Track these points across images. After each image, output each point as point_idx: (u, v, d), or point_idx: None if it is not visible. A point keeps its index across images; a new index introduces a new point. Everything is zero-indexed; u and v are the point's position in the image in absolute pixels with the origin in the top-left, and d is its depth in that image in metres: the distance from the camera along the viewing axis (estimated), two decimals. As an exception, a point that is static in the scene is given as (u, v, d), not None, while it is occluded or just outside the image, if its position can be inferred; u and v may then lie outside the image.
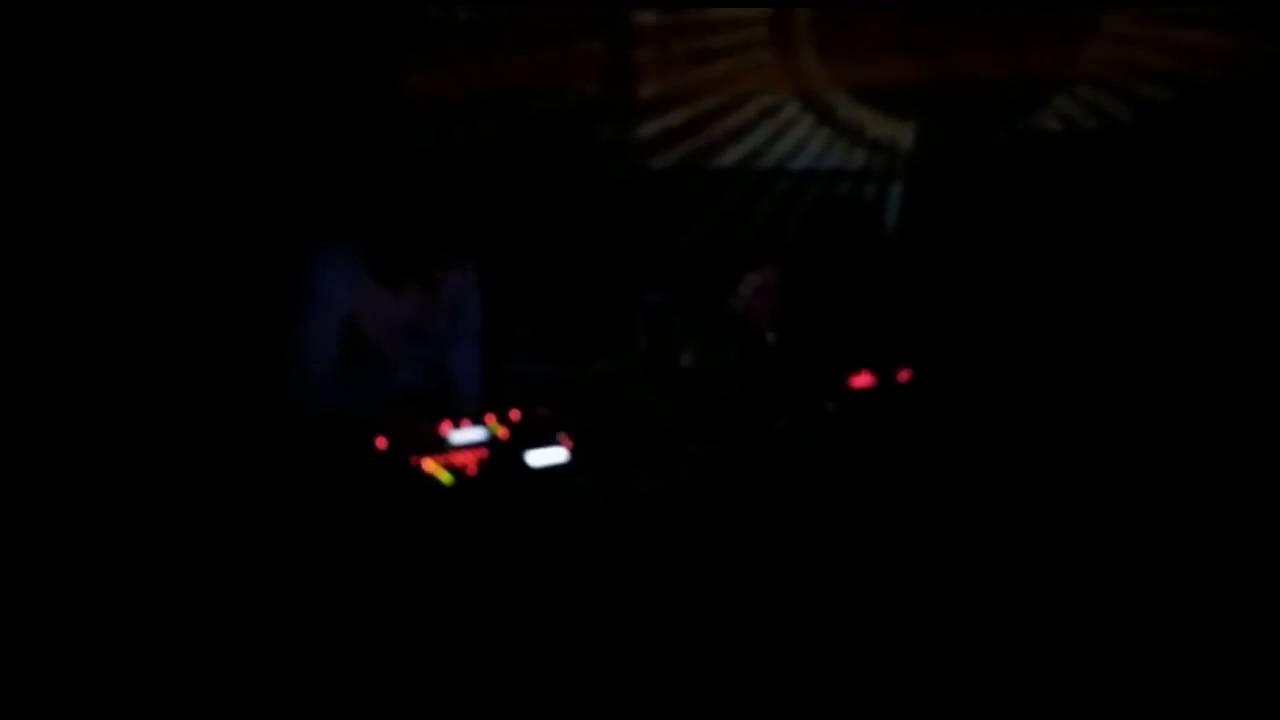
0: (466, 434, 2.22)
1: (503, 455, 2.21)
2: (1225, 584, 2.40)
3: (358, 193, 2.50)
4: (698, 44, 4.47)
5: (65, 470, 2.55)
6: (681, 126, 4.48)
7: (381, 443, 2.16)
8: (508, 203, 3.59)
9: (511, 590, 2.07)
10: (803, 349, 2.90)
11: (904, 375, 2.68)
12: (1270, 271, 3.72)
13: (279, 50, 3.57)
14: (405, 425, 2.22)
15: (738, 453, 2.42)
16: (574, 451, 2.25)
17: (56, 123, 3.16)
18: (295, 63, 3.60)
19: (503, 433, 2.24)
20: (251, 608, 2.08)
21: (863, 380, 2.64)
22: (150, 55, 3.32)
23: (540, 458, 2.23)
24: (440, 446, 2.17)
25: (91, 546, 2.28)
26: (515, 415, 2.27)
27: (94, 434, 2.75)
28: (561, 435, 2.26)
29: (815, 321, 3.00)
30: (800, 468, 2.43)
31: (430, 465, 2.16)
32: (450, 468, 2.16)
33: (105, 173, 3.22)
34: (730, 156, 4.53)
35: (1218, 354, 3.44)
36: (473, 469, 2.17)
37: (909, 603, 2.25)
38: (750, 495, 2.34)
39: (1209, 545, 2.53)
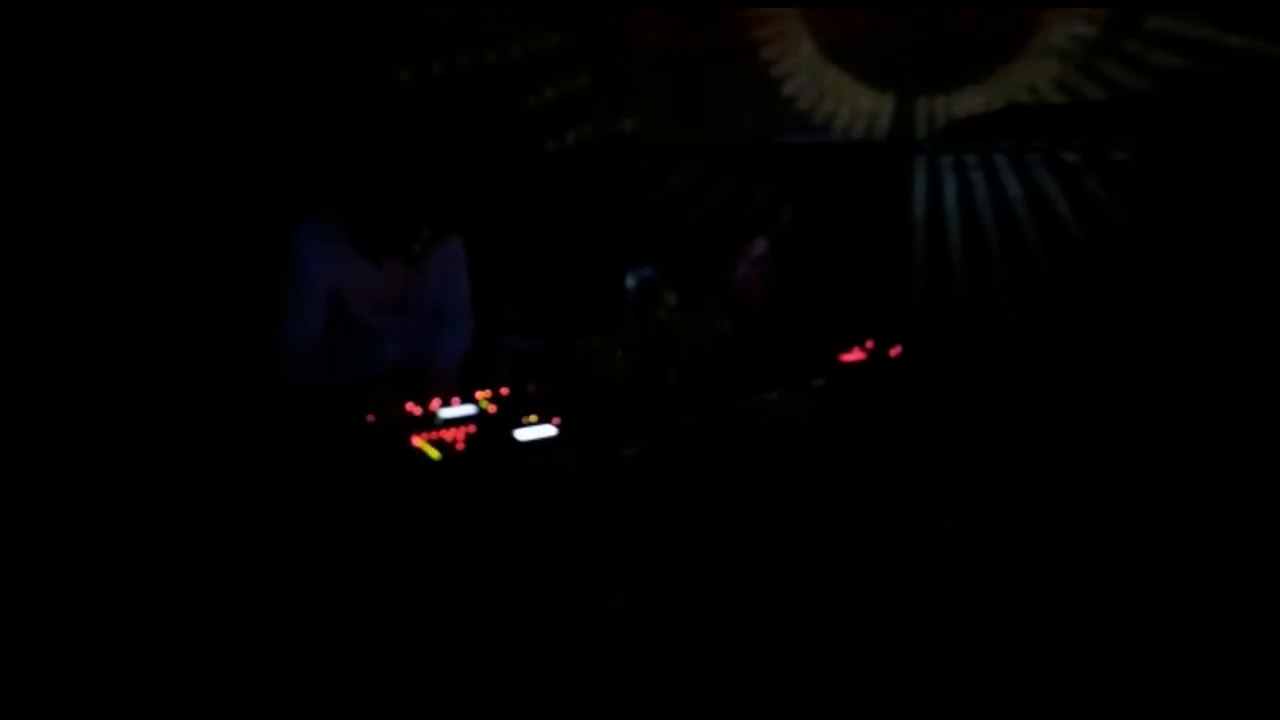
0: (455, 410, 2.23)
1: (491, 431, 2.21)
2: (1211, 555, 2.42)
3: (339, 158, 2.50)
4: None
5: (53, 444, 2.54)
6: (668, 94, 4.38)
7: (370, 418, 2.16)
8: (485, 175, 3.55)
9: (497, 564, 2.07)
10: (793, 324, 2.89)
11: (895, 351, 2.67)
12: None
13: (258, 27, 3.52)
14: (385, 403, 2.23)
15: (724, 428, 2.41)
16: (562, 427, 2.25)
17: (30, 93, 3.12)
18: (274, 35, 3.55)
19: (492, 409, 2.25)
20: (242, 579, 2.08)
21: (853, 356, 2.63)
22: (128, 31, 3.27)
23: (528, 433, 2.23)
24: (421, 424, 2.17)
25: (81, 515, 2.28)
26: (504, 392, 2.30)
27: (79, 404, 2.74)
28: (550, 411, 2.26)
29: (807, 296, 2.99)
30: (787, 443, 2.43)
31: (418, 441, 2.16)
32: (438, 443, 2.16)
33: (86, 151, 3.18)
34: (716, 130, 4.45)
35: (1208, 345, 3.45)
36: (461, 444, 2.17)
37: (893, 581, 2.26)
38: (736, 471, 2.34)
39: (1198, 527, 2.54)
